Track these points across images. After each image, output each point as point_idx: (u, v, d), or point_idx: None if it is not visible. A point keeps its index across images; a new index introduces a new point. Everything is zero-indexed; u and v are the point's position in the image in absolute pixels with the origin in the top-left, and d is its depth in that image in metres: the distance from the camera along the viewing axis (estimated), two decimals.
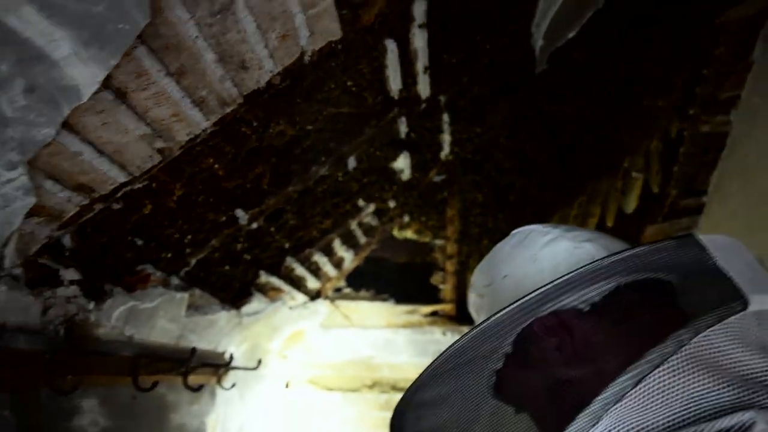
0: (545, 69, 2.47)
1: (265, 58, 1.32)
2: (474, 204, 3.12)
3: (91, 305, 1.56)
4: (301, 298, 2.95)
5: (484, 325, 0.75)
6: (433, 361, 0.80)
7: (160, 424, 1.99)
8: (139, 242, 1.67)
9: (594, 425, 0.60)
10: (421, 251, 3.42)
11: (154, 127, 1.24)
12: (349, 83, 1.75)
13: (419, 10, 1.68)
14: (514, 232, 0.99)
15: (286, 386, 3.39)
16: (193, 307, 2.07)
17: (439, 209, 3.15)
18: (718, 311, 0.63)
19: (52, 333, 1.43)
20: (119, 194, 1.36)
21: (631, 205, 3.23)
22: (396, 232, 3.25)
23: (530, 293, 0.73)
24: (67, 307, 1.48)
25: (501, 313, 0.74)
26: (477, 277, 0.96)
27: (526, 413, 0.84)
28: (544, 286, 0.72)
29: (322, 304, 3.18)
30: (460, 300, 3.38)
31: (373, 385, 3.40)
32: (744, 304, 0.63)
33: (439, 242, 3.29)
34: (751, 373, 0.63)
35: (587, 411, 0.60)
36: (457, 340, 0.78)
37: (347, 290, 3.39)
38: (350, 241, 2.95)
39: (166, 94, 1.18)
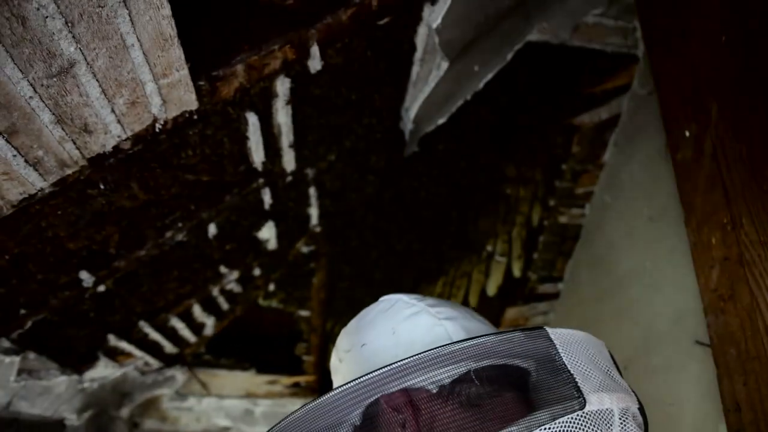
0: (415, 152, 2.56)
1: (112, 122, 1.30)
2: (341, 277, 3.14)
3: None
4: (155, 363, 2.83)
5: (329, 395, 0.73)
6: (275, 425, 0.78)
7: None
8: None
9: None
10: (287, 321, 3.39)
11: None
12: (208, 152, 1.75)
13: (283, 88, 1.72)
14: (382, 298, 0.98)
15: None
16: (25, 372, 1.94)
17: (306, 280, 3.14)
18: (553, 409, 0.63)
19: None
20: None
21: (492, 287, 3.36)
22: (261, 301, 3.20)
23: (378, 369, 0.71)
24: None
25: (347, 385, 0.72)
26: (341, 340, 0.94)
27: None
28: (394, 363, 0.71)
29: (179, 371, 3.04)
30: (324, 372, 3.34)
31: None
32: (581, 404, 0.64)
33: (304, 313, 3.27)
34: None
35: None
36: (300, 408, 0.76)
37: (207, 357, 3.28)
38: (211, 307, 2.87)
39: None
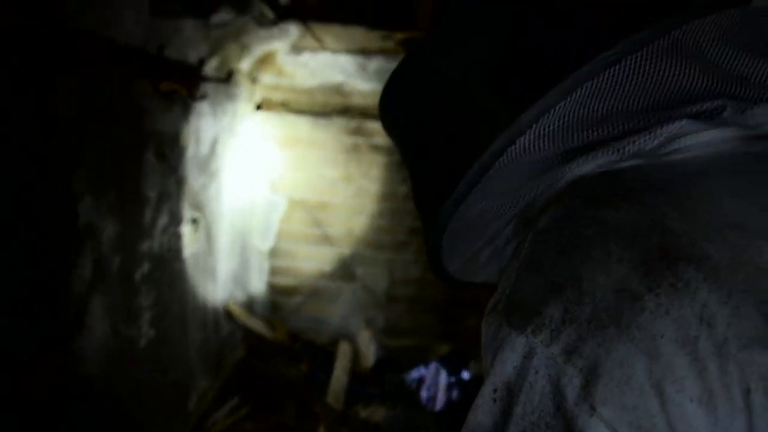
0: None
1: None
2: None
3: None
4: (270, 14, 2.88)
5: None
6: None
7: (135, 126, 2.07)
8: None
9: (563, 99, 0.61)
10: None
11: None
12: None
13: None
14: None
15: (257, 108, 3.56)
16: (157, 9, 2.08)
17: None
18: (716, 0, 0.61)
19: None
20: None
21: None
22: None
23: None
24: None
25: None
26: None
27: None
28: None
29: (293, 25, 3.12)
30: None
31: (343, 111, 3.61)
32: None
33: None
34: (732, 68, 0.62)
35: (559, 86, 0.60)
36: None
37: (320, 11, 3.16)
38: None
39: None
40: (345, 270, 3.84)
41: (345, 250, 3.82)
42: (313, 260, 3.84)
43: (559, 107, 0.62)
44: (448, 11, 0.74)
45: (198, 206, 2.73)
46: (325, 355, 3.53)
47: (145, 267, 2.19)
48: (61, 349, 1.68)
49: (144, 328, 2.22)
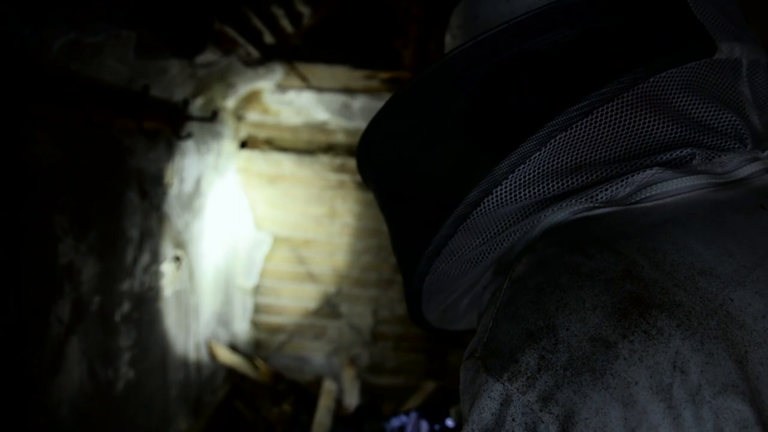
0: None
1: None
2: None
3: (27, 30, 1.50)
4: (256, 53, 2.89)
5: (450, 54, 0.72)
6: (396, 93, 0.79)
7: (117, 165, 2.07)
8: None
9: (538, 150, 0.62)
10: (384, 11, 3.20)
11: None
12: None
13: None
14: None
15: (242, 145, 3.58)
16: (142, 50, 2.06)
17: None
18: (680, 54, 0.61)
19: None
20: None
21: None
22: None
23: (494, 28, 0.69)
24: None
25: (465, 45, 0.71)
26: (453, 18, 0.88)
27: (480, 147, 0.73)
28: (510, 20, 0.68)
29: (278, 64, 3.15)
30: (421, 67, 3.24)
31: (327, 149, 3.63)
32: (711, 51, 0.62)
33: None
34: (700, 118, 0.65)
35: (533, 138, 0.61)
36: (421, 72, 0.76)
37: (305, 50, 3.22)
38: None
39: None
40: (329, 308, 3.82)
41: (329, 287, 3.80)
42: (297, 298, 3.82)
43: (534, 158, 0.63)
44: (434, 61, 0.75)
45: (181, 244, 2.71)
46: (308, 395, 3.48)
47: (126, 307, 2.17)
48: (36, 393, 1.65)
49: (123, 369, 2.18)
